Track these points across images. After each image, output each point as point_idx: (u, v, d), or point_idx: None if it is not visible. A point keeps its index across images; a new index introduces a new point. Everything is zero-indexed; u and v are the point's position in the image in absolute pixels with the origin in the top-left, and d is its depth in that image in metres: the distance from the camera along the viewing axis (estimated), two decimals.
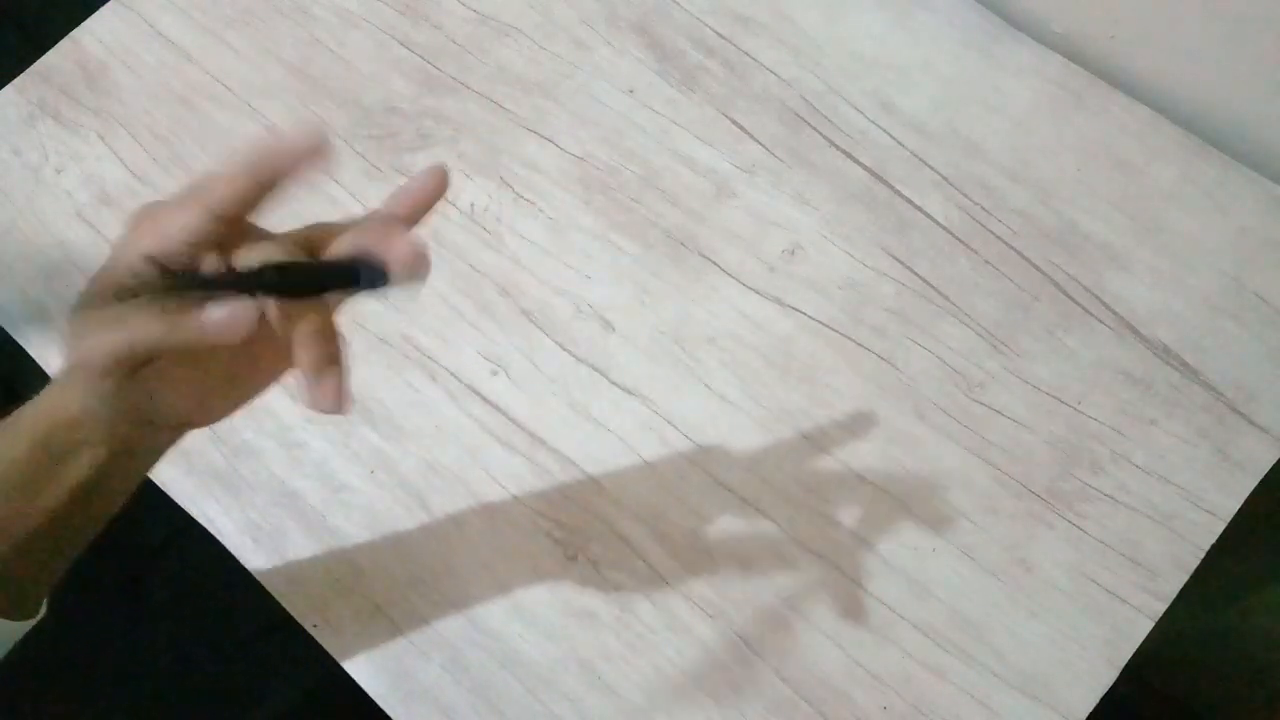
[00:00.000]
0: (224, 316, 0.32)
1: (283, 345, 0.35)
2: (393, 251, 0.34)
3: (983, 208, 0.62)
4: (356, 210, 0.64)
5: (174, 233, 0.34)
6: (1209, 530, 0.54)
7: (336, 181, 0.65)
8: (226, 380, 0.39)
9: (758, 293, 0.61)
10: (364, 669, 0.54)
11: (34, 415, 0.38)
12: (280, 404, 0.60)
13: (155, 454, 0.40)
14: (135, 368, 0.35)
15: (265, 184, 0.36)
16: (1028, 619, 0.53)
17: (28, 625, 0.41)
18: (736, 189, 0.64)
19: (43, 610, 0.43)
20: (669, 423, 0.58)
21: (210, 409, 0.39)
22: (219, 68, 0.69)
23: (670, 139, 0.65)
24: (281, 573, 0.56)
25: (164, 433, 0.39)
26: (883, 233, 0.62)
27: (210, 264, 0.34)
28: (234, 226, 0.35)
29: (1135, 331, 0.59)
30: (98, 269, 0.35)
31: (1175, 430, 0.56)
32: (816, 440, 0.57)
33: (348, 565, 0.56)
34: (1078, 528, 0.55)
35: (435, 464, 0.58)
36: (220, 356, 0.37)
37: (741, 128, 0.65)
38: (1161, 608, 0.53)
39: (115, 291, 0.33)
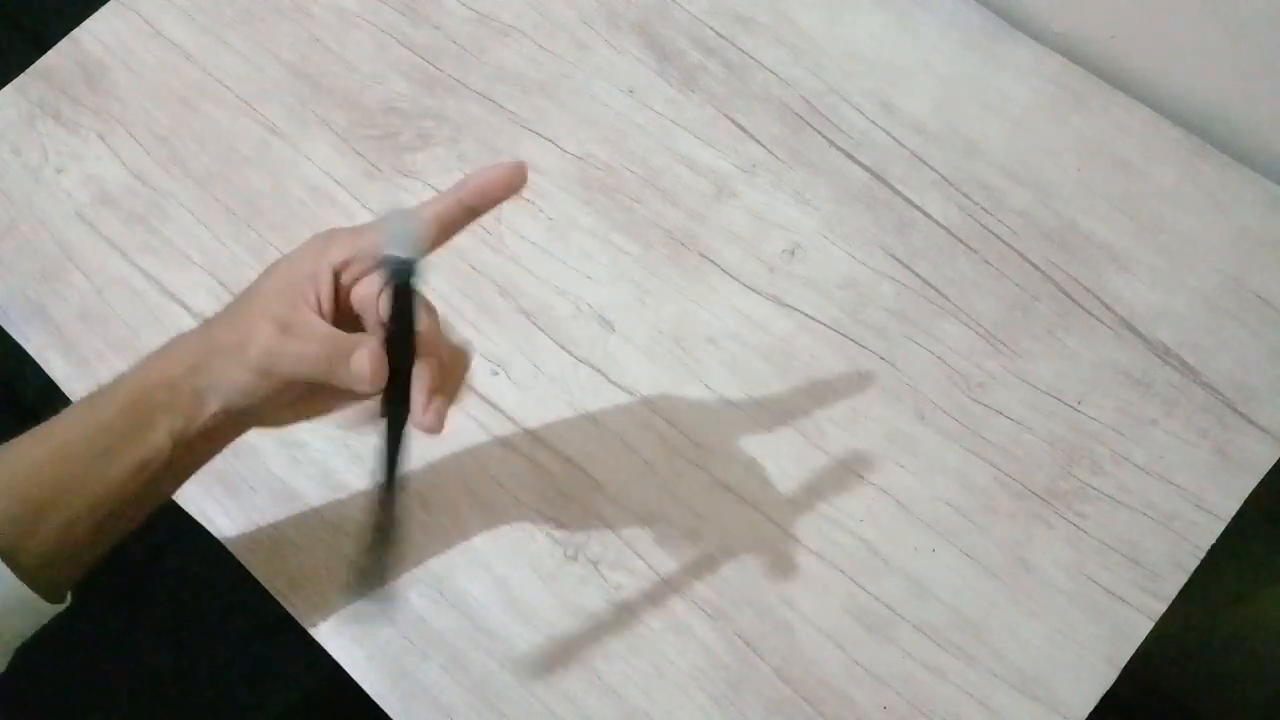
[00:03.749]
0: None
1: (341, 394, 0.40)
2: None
3: (983, 208, 0.62)
4: (356, 209, 0.64)
5: (374, 247, 0.39)
6: (1209, 530, 0.54)
7: (337, 182, 0.65)
8: (311, 405, 0.43)
9: (758, 293, 0.61)
10: (364, 669, 0.54)
11: (131, 377, 0.40)
12: None
13: (211, 450, 0.43)
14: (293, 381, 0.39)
15: (469, 213, 0.40)
16: (1028, 619, 0.53)
17: (55, 610, 0.42)
18: (736, 189, 0.64)
19: (68, 599, 0.43)
20: (669, 423, 0.58)
21: (281, 420, 0.43)
22: (219, 68, 0.69)
23: (670, 139, 0.65)
24: (281, 573, 0.56)
25: (234, 425, 0.42)
26: (883, 233, 0.62)
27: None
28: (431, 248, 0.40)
29: (1135, 331, 0.59)
30: (286, 266, 0.40)
31: (1175, 430, 0.56)
32: (816, 440, 0.57)
33: (348, 565, 0.56)
34: (1078, 528, 0.55)
35: (435, 464, 0.58)
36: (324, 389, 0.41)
37: (741, 128, 0.65)
38: (1161, 608, 0.53)
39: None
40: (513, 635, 0.54)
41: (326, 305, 0.39)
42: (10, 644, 0.42)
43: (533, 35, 0.69)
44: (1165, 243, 0.61)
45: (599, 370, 0.60)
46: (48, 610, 0.41)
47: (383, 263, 0.37)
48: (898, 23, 0.67)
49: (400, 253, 0.37)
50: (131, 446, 0.39)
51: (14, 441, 0.41)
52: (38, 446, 0.40)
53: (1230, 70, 0.61)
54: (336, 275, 0.40)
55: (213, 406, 0.40)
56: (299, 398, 0.41)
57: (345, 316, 0.41)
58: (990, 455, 0.56)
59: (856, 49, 0.67)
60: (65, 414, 0.41)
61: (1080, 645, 0.53)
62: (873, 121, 0.65)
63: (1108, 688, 0.52)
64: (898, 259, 0.61)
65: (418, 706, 0.53)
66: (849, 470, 0.57)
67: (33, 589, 0.39)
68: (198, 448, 0.41)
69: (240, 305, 0.41)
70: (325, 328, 0.39)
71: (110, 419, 0.39)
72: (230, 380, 0.39)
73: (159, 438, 0.39)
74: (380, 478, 0.40)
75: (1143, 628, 0.53)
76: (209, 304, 0.62)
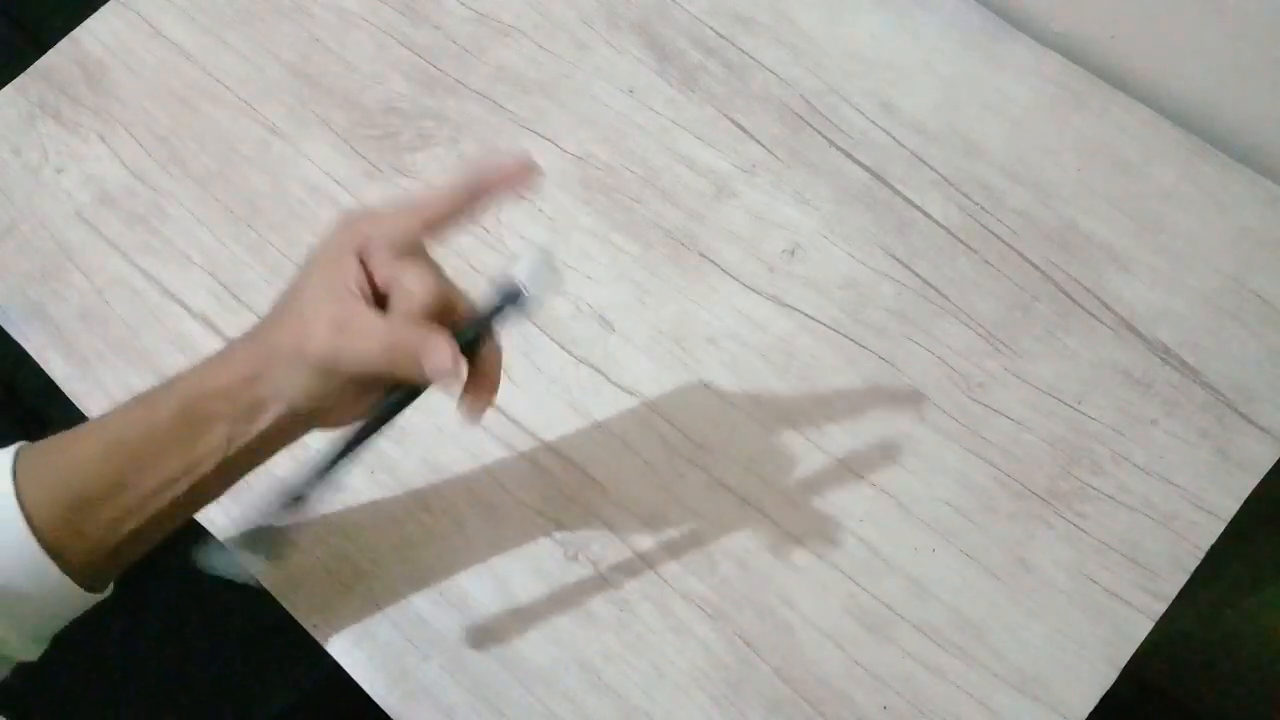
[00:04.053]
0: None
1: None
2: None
3: (983, 208, 0.62)
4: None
5: (386, 231, 0.39)
6: (1209, 530, 0.54)
7: (337, 182, 0.65)
8: (364, 402, 0.42)
9: (758, 292, 0.61)
10: (364, 669, 0.54)
11: (187, 381, 0.40)
12: None
13: (268, 453, 0.43)
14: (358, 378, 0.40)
15: (475, 200, 0.41)
16: (1028, 619, 0.53)
17: (96, 599, 0.42)
18: (736, 189, 0.64)
19: (109, 589, 0.43)
20: (669, 423, 0.58)
21: (339, 421, 0.42)
22: (219, 68, 0.69)
23: (670, 139, 0.65)
24: (281, 573, 0.56)
25: (294, 428, 0.42)
26: (883, 233, 0.62)
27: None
28: (435, 234, 0.41)
29: (1135, 331, 0.59)
30: (319, 251, 0.40)
31: (1175, 430, 0.56)
32: (816, 440, 0.57)
33: (348, 565, 0.56)
34: (1078, 528, 0.55)
35: (435, 464, 0.58)
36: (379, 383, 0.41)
37: (741, 128, 0.65)
38: (1161, 608, 0.53)
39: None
40: (513, 635, 0.54)
41: (368, 290, 0.39)
42: (50, 631, 0.43)
43: (533, 35, 0.69)
44: (1165, 243, 0.61)
45: (599, 370, 0.60)
46: (90, 599, 0.42)
47: (504, 283, 0.40)
48: (898, 23, 0.67)
49: (528, 284, 0.39)
50: (185, 450, 0.40)
51: (68, 434, 0.41)
52: (91, 442, 0.40)
53: (1230, 70, 0.61)
54: (362, 260, 0.39)
55: (273, 413, 0.40)
56: (358, 395, 0.41)
57: (377, 297, 0.41)
58: (990, 455, 0.56)
59: (856, 49, 0.67)
60: (120, 411, 0.41)
61: (1080, 645, 0.53)
62: (873, 121, 0.65)
63: (1108, 688, 0.52)
64: (898, 259, 0.61)
65: (418, 706, 0.53)
66: (849, 470, 0.57)
67: (76, 581, 0.40)
68: (255, 450, 0.41)
69: (288, 307, 0.40)
70: (380, 321, 0.38)
71: (165, 420, 0.39)
72: (293, 384, 0.39)
73: (215, 442, 0.40)
74: (346, 447, 0.41)
75: (1143, 628, 0.53)
76: (209, 304, 0.62)
